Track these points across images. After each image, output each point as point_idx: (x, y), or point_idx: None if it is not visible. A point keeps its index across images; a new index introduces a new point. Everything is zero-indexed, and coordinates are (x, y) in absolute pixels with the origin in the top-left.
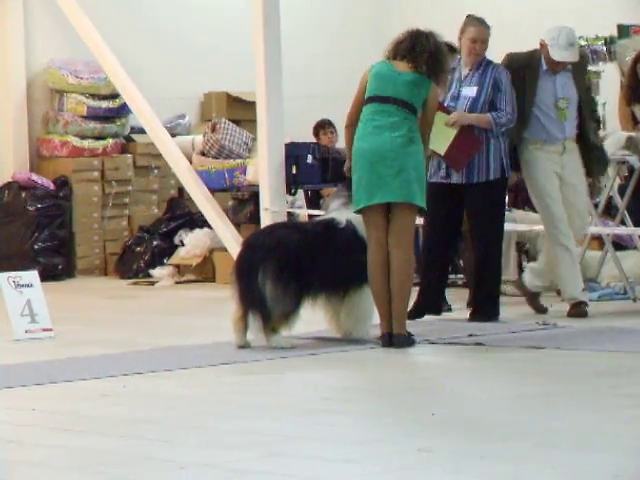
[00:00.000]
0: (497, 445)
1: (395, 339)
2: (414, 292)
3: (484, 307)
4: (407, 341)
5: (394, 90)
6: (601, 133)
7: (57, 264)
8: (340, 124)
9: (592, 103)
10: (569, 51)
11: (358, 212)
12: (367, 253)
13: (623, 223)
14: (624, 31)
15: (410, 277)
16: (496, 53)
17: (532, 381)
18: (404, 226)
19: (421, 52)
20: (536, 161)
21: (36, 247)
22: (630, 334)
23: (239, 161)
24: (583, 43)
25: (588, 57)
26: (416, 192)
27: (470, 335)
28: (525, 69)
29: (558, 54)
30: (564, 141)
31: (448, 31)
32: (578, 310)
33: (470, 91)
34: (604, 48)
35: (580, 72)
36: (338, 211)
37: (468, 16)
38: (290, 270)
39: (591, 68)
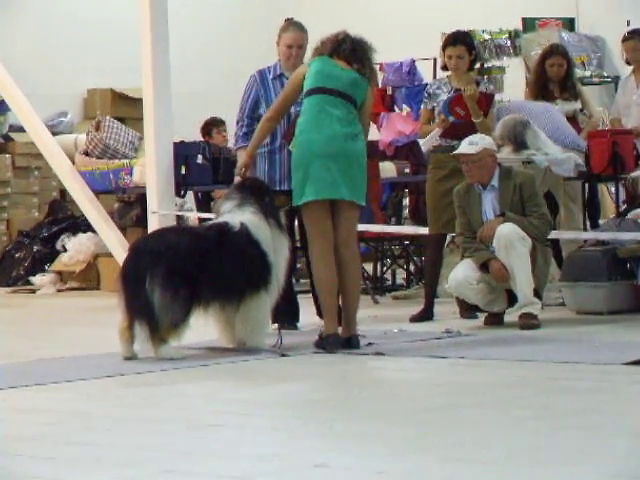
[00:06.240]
0: (397, 460)
1: (354, 340)
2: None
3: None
4: (359, 342)
5: (338, 84)
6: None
7: None
8: (228, 123)
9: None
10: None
11: (298, 206)
12: (310, 247)
13: None
14: (529, 24)
15: (360, 276)
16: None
17: (434, 392)
18: (352, 225)
19: (363, 57)
20: None
21: None
22: (537, 344)
23: (125, 161)
24: (487, 37)
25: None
26: (362, 191)
27: (369, 344)
28: None
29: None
30: None
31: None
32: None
33: None
34: (508, 42)
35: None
36: (231, 214)
37: (286, 20)
38: (180, 276)
39: (495, 63)
